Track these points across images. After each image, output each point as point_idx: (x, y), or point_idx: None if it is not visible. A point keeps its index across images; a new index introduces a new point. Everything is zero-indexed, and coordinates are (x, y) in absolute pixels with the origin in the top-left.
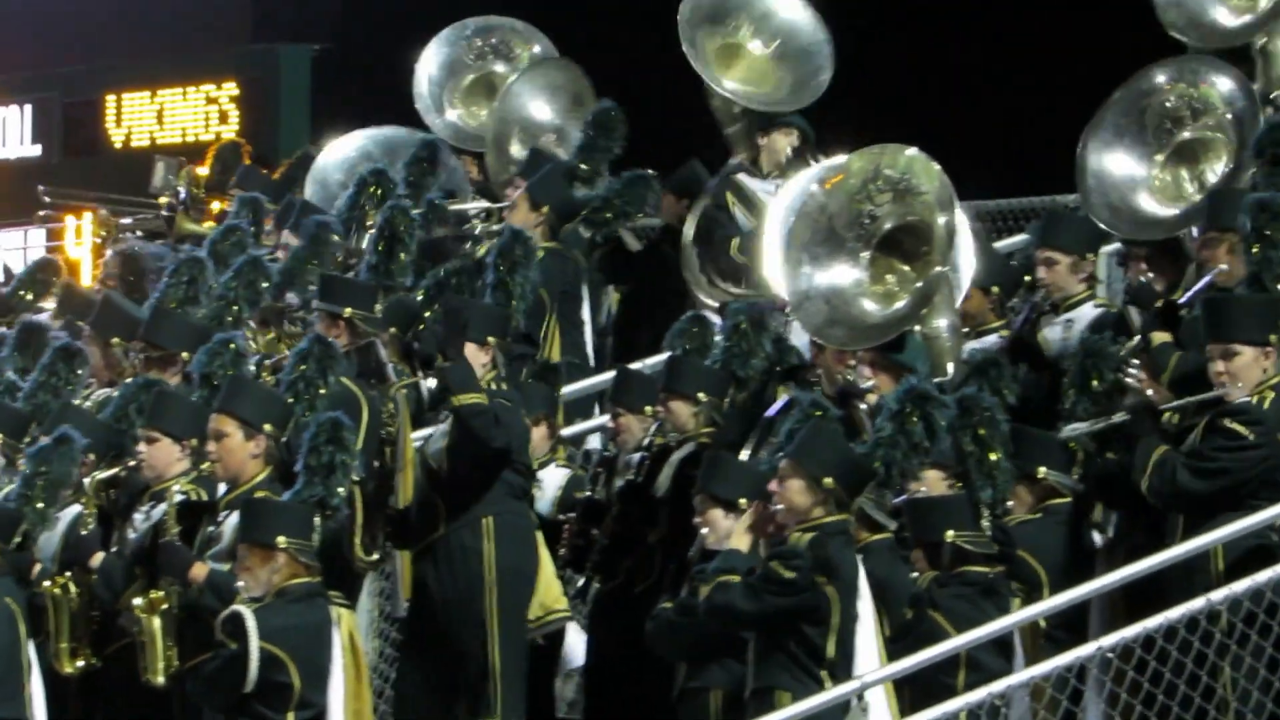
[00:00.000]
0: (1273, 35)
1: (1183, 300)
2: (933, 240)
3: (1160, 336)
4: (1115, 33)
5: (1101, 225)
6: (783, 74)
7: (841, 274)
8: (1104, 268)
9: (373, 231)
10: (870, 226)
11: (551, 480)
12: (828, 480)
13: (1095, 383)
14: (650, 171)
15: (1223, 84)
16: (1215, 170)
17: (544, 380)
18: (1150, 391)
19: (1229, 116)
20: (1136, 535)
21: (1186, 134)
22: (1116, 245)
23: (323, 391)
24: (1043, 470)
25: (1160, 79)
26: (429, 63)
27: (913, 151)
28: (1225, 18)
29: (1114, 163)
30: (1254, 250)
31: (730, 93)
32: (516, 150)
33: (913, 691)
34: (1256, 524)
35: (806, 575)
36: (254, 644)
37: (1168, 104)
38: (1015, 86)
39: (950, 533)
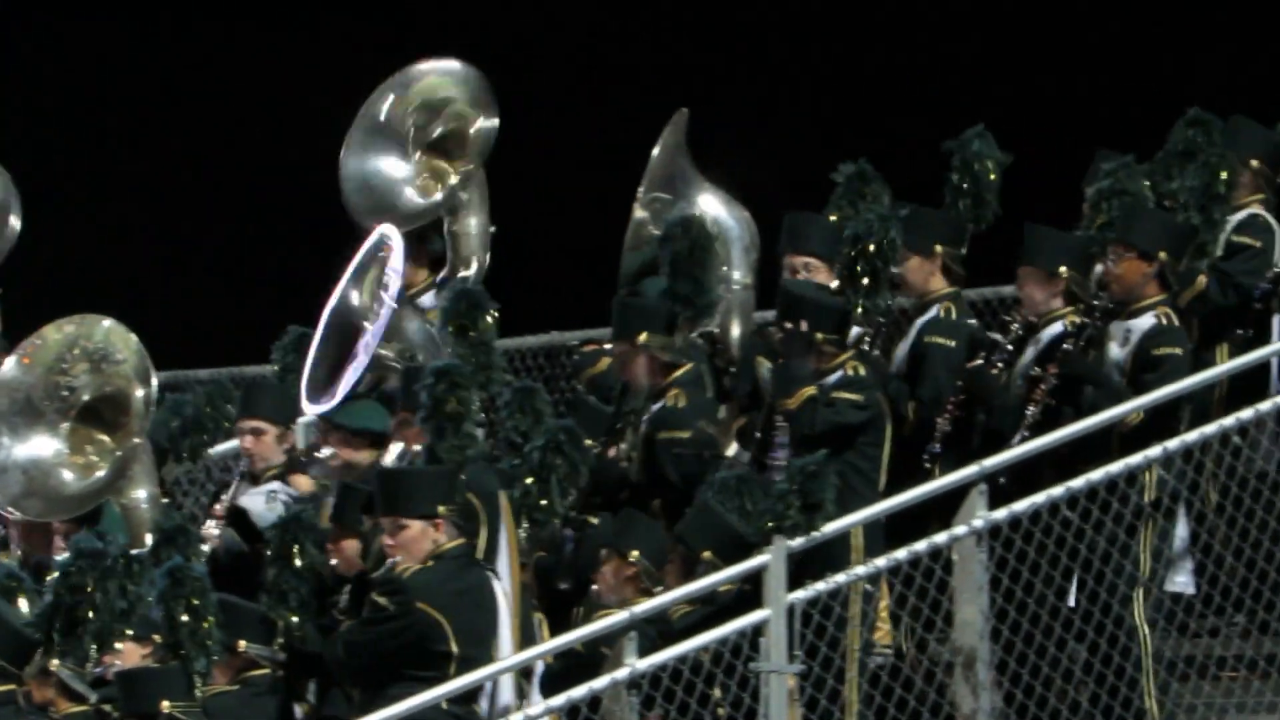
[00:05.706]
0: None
1: None
2: (131, 410)
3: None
4: None
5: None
6: None
7: (41, 445)
8: (301, 437)
9: None
10: (69, 398)
11: None
12: None
13: (297, 556)
14: None
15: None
16: None
17: None
18: (335, 562)
19: None
20: (336, 706)
21: None
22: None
23: None
24: (243, 643)
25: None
26: None
27: (109, 323)
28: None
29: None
30: (428, 422)
31: None
32: None
33: None
34: (418, 705)
35: None
36: None
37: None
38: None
39: (166, 703)
